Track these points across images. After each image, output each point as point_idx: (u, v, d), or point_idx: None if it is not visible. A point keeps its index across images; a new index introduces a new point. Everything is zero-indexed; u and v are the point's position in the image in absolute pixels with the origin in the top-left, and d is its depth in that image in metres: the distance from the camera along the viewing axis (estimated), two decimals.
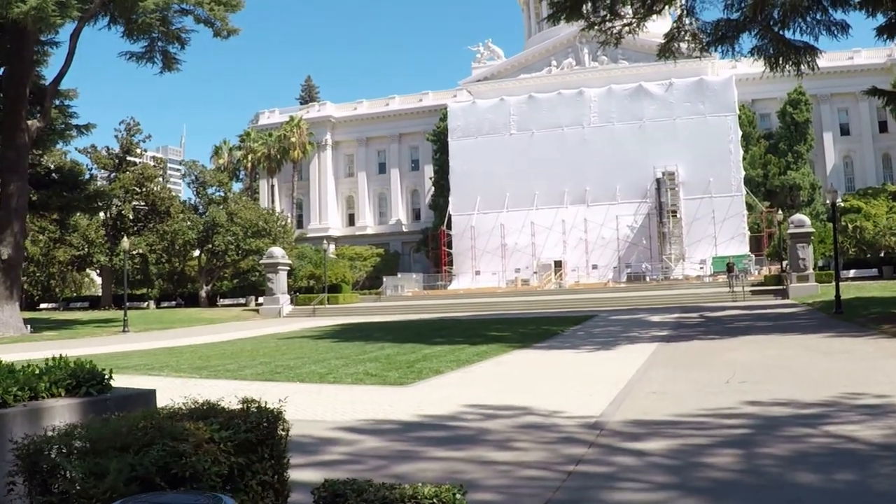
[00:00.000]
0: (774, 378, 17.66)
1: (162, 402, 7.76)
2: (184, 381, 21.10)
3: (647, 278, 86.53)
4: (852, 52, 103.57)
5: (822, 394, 14.82)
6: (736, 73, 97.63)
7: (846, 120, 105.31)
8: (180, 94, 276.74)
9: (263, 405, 6.72)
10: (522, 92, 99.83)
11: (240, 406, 6.74)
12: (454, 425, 13.25)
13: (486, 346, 28.43)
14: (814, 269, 66.50)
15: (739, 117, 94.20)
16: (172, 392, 18.79)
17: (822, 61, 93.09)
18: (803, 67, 38.27)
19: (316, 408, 15.96)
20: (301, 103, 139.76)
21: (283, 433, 6.79)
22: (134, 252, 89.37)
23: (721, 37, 37.69)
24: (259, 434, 6.46)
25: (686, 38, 39.75)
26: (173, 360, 27.82)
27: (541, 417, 13.58)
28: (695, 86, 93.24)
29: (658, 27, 53.00)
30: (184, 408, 6.63)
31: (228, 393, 8.46)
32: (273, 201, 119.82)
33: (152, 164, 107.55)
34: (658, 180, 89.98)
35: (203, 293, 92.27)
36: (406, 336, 35.94)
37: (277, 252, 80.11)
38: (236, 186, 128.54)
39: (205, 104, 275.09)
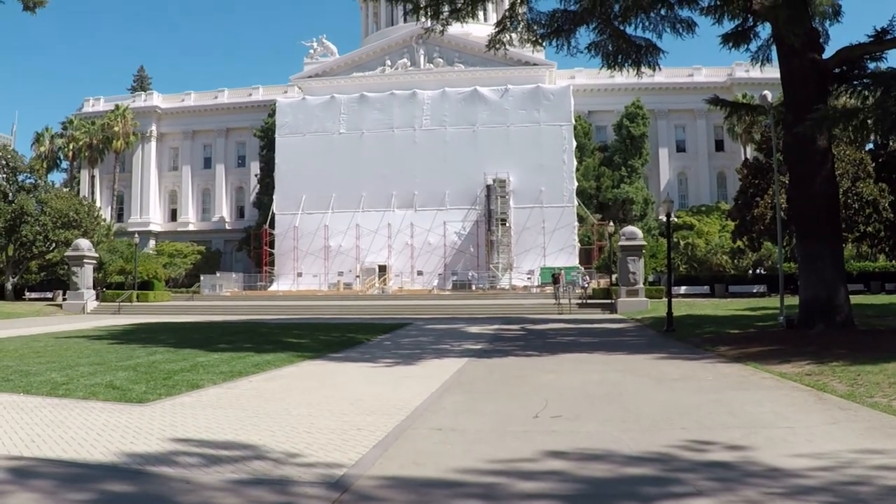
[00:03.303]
0: (596, 412, 14.23)
1: None
2: None
3: (473, 287, 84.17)
4: (692, 69, 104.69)
5: (657, 441, 11.36)
6: (574, 83, 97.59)
7: (683, 137, 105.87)
8: (16, 81, 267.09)
9: None
10: (355, 91, 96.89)
11: None
12: (153, 473, 9.58)
13: (273, 356, 24.76)
14: (644, 284, 64.88)
15: (575, 128, 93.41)
16: None
17: (662, 77, 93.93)
18: (644, 68, 35.64)
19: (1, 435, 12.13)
20: (132, 93, 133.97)
21: None
22: None
23: (557, 29, 34.76)
24: None
25: (519, 28, 36.58)
26: None
27: (271, 465, 9.95)
28: (531, 93, 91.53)
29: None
30: None
31: None
32: (94, 193, 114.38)
33: None
34: (488, 187, 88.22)
35: (9, 286, 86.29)
36: (192, 340, 32.10)
37: (83, 244, 75.31)
38: (59, 176, 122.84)
39: (43, 91, 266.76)
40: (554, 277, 72.61)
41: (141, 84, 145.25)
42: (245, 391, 17.40)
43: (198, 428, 12.70)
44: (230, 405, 15.32)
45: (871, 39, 29.83)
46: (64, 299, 76.86)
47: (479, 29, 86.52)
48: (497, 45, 36.99)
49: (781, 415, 13.76)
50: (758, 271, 77.04)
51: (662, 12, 33.83)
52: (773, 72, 52.06)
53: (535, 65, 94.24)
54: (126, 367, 21.37)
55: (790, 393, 16.50)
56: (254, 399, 16.20)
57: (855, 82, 31.00)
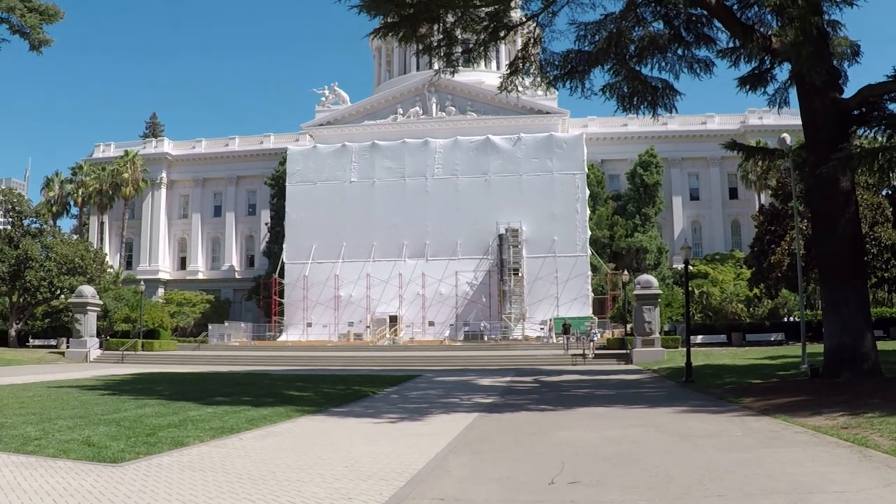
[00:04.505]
0: (619, 477, 12.70)
1: None
2: None
3: (486, 337, 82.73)
4: (706, 116, 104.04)
5: None
6: (587, 131, 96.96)
7: (697, 185, 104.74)
8: (31, 128, 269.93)
9: None
10: (366, 139, 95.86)
11: None
12: None
13: (271, 410, 23.41)
14: (660, 333, 63.50)
15: (588, 176, 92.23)
16: None
17: (675, 125, 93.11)
18: (660, 110, 34.31)
19: None
20: (144, 139, 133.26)
21: None
22: None
23: (570, 70, 33.50)
24: None
25: (532, 70, 35.38)
26: None
27: None
28: (544, 141, 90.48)
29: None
30: None
31: None
32: (103, 239, 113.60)
33: None
34: (501, 236, 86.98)
35: (13, 332, 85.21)
36: (188, 392, 30.74)
37: (87, 291, 74.11)
38: (69, 222, 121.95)
39: (57, 138, 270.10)
40: (564, 328, 71.39)
41: (153, 131, 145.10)
42: (232, 451, 16.05)
43: (169, 495, 11.37)
44: (212, 467, 13.97)
45: (892, 78, 28.70)
46: (67, 347, 75.92)
47: (490, 77, 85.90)
48: (509, 88, 35.64)
49: (826, 476, 12.32)
50: (788, 318, 75.78)
51: (679, 52, 32.75)
52: (786, 118, 51.35)
53: (547, 113, 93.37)
54: (109, 422, 20.12)
55: (830, 450, 15.12)
56: (240, 460, 14.85)
57: (875, 124, 29.87)
